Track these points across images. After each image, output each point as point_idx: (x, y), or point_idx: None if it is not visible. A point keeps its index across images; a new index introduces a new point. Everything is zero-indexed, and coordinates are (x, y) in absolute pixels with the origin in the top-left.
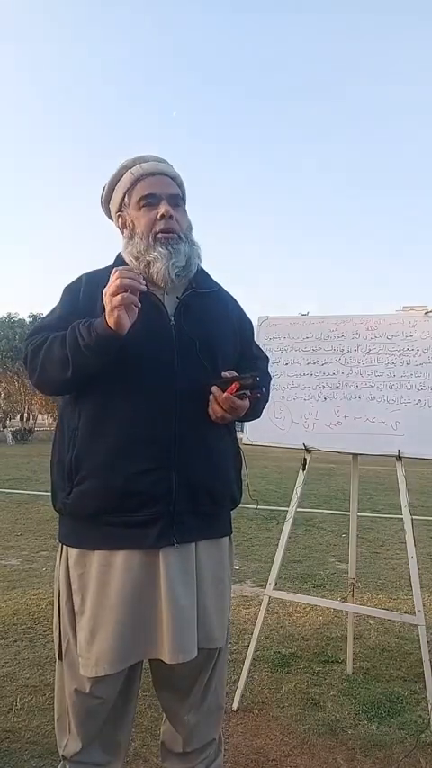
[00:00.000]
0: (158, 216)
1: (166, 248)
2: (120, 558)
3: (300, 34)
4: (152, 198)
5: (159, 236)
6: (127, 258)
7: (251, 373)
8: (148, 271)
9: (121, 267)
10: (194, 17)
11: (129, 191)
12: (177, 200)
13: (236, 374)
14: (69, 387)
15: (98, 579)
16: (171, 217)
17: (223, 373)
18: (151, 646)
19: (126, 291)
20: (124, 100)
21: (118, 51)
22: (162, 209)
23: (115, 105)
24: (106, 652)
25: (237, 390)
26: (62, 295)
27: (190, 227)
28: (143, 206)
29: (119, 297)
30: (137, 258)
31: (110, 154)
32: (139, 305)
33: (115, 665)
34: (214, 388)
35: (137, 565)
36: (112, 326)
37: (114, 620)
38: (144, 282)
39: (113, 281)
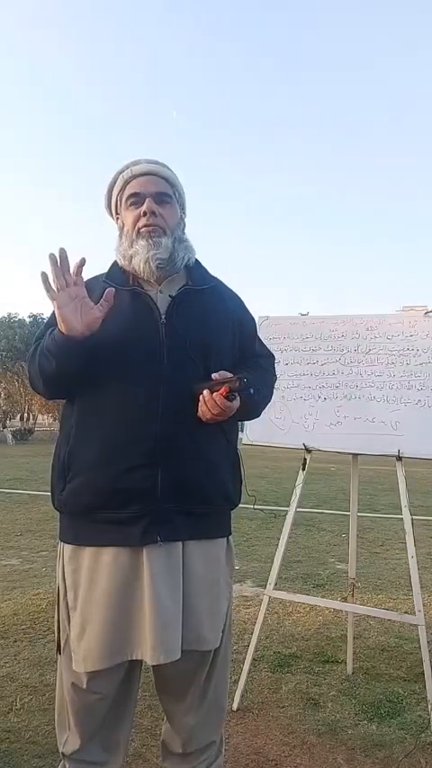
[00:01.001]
0: (141, 213)
1: (147, 241)
2: (107, 554)
3: (302, 33)
4: (137, 197)
5: (142, 230)
6: (118, 258)
7: (238, 375)
8: (131, 265)
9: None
10: (197, 16)
11: (120, 193)
12: (164, 198)
13: (227, 375)
14: (51, 392)
15: (88, 576)
16: (155, 213)
17: (213, 375)
18: (137, 645)
19: (58, 290)
20: (124, 100)
21: (117, 52)
22: (145, 206)
23: (115, 106)
24: (93, 648)
25: (227, 393)
26: None
27: (179, 225)
28: (129, 205)
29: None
30: (123, 256)
31: (111, 154)
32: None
33: (102, 662)
34: (206, 392)
35: (123, 562)
36: (62, 330)
37: (101, 618)
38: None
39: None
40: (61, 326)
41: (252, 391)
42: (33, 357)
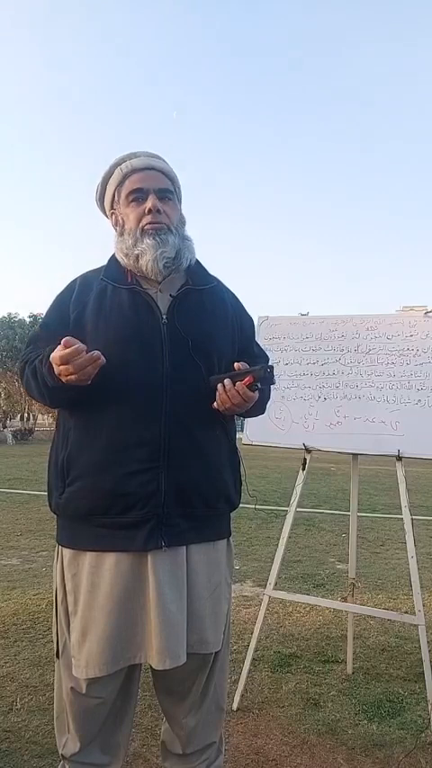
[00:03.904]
0: (146, 210)
1: (154, 239)
2: (109, 560)
3: (304, 34)
4: (140, 193)
5: (147, 228)
6: (118, 255)
7: (263, 365)
8: (137, 264)
9: (63, 350)
10: (196, 17)
11: (118, 187)
12: (166, 194)
13: (248, 367)
14: (58, 407)
15: (89, 581)
16: (159, 210)
17: (236, 364)
18: (140, 650)
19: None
20: (124, 100)
21: (117, 51)
22: (149, 203)
23: (115, 106)
24: (95, 654)
25: (251, 383)
26: (51, 304)
27: (182, 222)
28: (131, 201)
29: (65, 373)
30: (126, 255)
31: (110, 154)
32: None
33: (104, 668)
34: (227, 381)
35: (126, 568)
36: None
37: (103, 623)
38: (93, 357)
39: (58, 356)
40: (67, 381)
41: (274, 382)
42: (29, 381)
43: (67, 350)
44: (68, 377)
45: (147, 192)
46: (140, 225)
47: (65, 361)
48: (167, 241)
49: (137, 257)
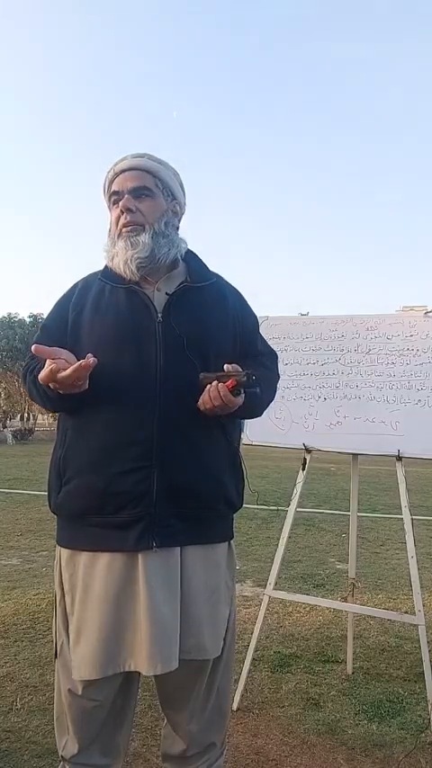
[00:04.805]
0: (120, 211)
1: (125, 241)
2: (102, 560)
3: (300, 35)
4: (117, 195)
5: (123, 230)
6: (104, 257)
7: (247, 371)
8: (112, 264)
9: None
10: (195, 17)
11: (106, 193)
12: (142, 192)
13: (239, 369)
14: (62, 411)
15: (83, 581)
16: (131, 210)
17: (225, 366)
18: (132, 655)
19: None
20: (124, 101)
21: (118, 51)
22: (120, 204)
23: (115, 106)
24: (88, 656)
25: (233, 387)
26: (52, 307)
27: (162, 217)
28: (112, 204)
29: (57, 388)
30: (108, 255)
31: (110, 156)
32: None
33: (97, 671)
34: (214, 382)
35: (118, 568)
36: (61, 391)
37: (96, 625)
38: (81, 366)
39: (41, 378)
40: (59, 390)
41: (259, 390)
42: (30, 391)
43: (44, 371)
44: (62, 390)
45: (122, 194)
46: (118, 227)
47: (48, 381)
48: (138, 242)
49: (112, 258)
